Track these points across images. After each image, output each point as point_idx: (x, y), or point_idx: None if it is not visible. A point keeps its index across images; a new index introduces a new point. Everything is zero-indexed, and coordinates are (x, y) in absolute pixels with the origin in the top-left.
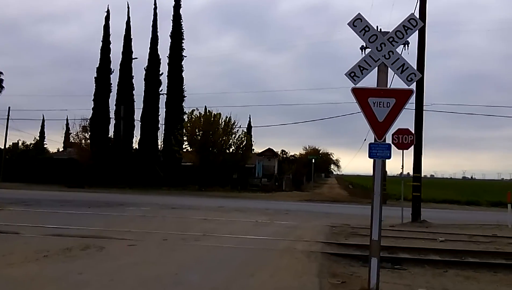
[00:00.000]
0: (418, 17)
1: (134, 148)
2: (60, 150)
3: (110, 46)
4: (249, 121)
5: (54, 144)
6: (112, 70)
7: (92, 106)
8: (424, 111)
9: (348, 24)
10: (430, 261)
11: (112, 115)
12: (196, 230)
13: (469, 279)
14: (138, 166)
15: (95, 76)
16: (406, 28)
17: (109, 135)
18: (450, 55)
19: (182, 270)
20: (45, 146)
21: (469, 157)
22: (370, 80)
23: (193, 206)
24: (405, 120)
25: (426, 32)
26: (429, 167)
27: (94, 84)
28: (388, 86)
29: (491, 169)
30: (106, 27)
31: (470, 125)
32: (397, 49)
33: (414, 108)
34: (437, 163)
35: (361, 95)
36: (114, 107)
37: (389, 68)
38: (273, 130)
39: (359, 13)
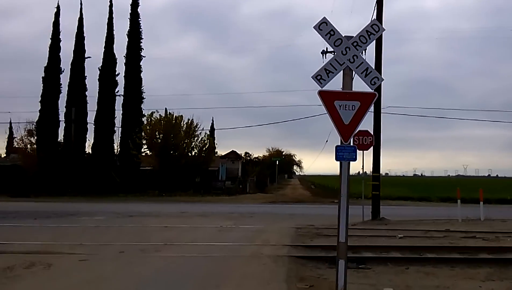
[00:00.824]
0: None
1: (87, 152)
2: (3, 156)
3: (61, 44)
4: (212, 123)
5: None
6: (62, 69)
7: (39, 108)
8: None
9: (314, 27)
10: (392, 259)
11: (62, 117)
12: (156, 239)
13: (429, 275)
14: (92, 172)
15: (43, 75)
16: (369, 34)
17: (59, 140)
18: (401, 61)
19: (140, 286)
20: None
21: (419, 156)
22: (332, 85)
23: (153, 213)
24: (363, 121)
25: (382, 38)
26: (384, 166)
27: (42, 85)
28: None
29: (439, 167)
30: (56, 24)
31: (420, 126)
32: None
33: (373, 110)
34: (391, 162)
35: (327, 98)
36: (65, 109)
37: (353, 72)
38: (236, 132)
39: (324, 17)
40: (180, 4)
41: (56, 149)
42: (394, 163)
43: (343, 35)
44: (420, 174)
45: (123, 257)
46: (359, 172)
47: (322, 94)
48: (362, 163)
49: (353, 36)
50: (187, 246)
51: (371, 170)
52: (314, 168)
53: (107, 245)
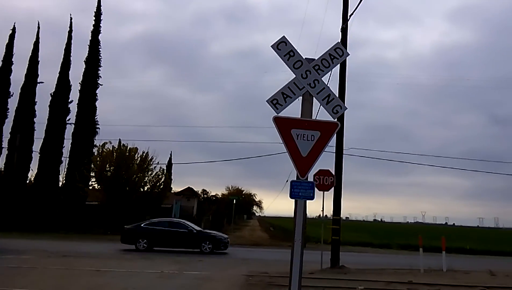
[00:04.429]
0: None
1: (30, 183)
2: None
3: (12, 67)
4: (170, 158)
5: None
6: (11, 93)
7: None
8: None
9: (271, 46)
10: None
11: (5, 144)
12: (80, 287)
13: None
14: (32, 204)
15: None
16: (332, 57)
17: None
18: (364, 107)
19: None
20: None
21: (379, 201)
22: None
23: (91, 254)
24: (323, 162)
25: (346, 66)
26: (344, 210)
27: None
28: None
29: (398, 213)
30: (10, 46)
31: (380, 171)
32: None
33: (335, 150)
34: (352, 206)
35: (283, 125)
36: (9, 135)
37: (314, 98)
38: (196, 168)
39: (283, 36)
40: (148, 38)
41: None
42: (354, 207)
43: (304, 57)
44: (380, 220)
45: None
46: (319, 215)
47: (277, 120)
48: (322, 205)
49: (315, 59)
50: None
51: (332, 213)
52: (275, 209)
53: None
